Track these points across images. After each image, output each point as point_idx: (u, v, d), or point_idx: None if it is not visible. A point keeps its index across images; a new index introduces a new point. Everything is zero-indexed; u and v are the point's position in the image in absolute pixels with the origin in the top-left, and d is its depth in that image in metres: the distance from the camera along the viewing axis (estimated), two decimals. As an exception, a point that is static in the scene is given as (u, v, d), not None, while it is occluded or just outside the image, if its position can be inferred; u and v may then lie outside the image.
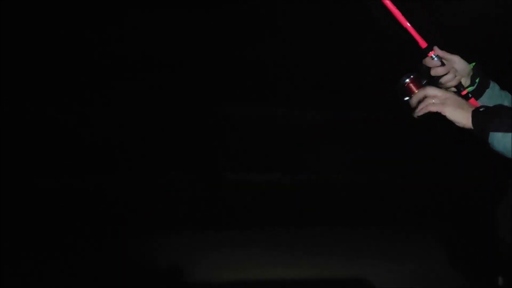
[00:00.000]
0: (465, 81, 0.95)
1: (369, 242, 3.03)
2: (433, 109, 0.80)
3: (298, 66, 4.51)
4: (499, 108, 0.80)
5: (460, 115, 0.79)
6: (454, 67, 0.92)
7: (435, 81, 0.91)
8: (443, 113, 0.80)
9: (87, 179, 3.80)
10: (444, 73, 0.91)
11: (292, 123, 4.56)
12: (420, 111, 0.81)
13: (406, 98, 0.86)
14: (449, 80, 0.92)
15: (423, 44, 0.90)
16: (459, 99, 0.84)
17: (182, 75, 4.36)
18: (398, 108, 0.89)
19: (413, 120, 0.85)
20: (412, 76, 0.87)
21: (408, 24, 0.90)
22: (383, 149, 4.16)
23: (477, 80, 0.96)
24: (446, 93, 0.83)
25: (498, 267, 1.00)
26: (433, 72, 0.90)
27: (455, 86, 0.94)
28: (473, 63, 0.96)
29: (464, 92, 0.94)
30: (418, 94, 0.83)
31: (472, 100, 0.94)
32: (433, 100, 0.80)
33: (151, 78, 4.30)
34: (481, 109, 0.80)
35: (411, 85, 0.86)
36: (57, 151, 3.90)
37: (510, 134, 0.75)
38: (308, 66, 4.47)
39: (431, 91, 0.82)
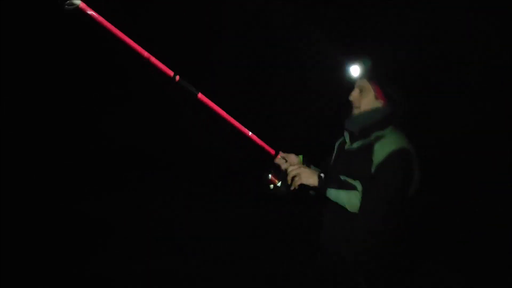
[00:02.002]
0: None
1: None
2: (298, 182, 1.40)
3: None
4: (331, 174, 1.41)
5: (311, 180, 1.40)
6: (292, 161, 1.60)
7: (284, 172, 1.49)
8: (302, 181, 1.40)
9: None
10: (287, 166, 1.49)
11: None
12: (294, 184, 1.41)
13: (272, 186, 1.48)
14: (290, 168, 1.48)
15: (272, 151, 1.61)
16: (308, 170, 1.43)
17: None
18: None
19: (284, 196, 1.47)
20: (272, 171, 1.50)
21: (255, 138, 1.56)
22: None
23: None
24: (299, 169, 1.42)
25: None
26: (283, 167, 1.57)
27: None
28: (301, 155, 1.63)
29: None
30: (288, 175, 1.43)
31: None
32: (296, 178, 1.41)
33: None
34: (321, 175, 1.40)
35: (272, 178, 1.48)
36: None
37: (340, 190, 1.37)
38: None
39: (291, 170, 1.42)
